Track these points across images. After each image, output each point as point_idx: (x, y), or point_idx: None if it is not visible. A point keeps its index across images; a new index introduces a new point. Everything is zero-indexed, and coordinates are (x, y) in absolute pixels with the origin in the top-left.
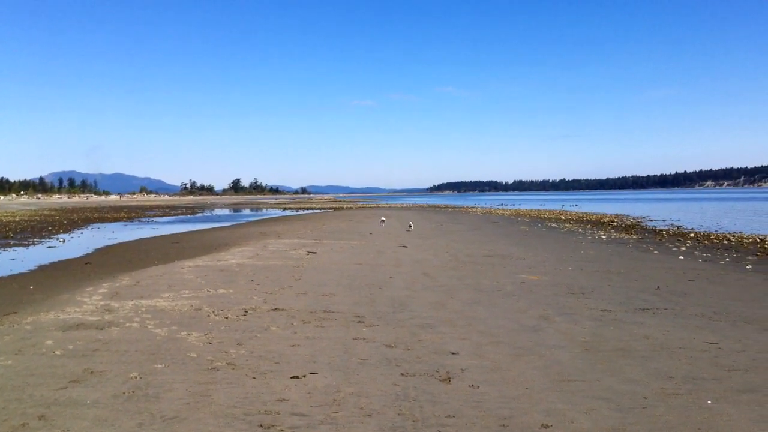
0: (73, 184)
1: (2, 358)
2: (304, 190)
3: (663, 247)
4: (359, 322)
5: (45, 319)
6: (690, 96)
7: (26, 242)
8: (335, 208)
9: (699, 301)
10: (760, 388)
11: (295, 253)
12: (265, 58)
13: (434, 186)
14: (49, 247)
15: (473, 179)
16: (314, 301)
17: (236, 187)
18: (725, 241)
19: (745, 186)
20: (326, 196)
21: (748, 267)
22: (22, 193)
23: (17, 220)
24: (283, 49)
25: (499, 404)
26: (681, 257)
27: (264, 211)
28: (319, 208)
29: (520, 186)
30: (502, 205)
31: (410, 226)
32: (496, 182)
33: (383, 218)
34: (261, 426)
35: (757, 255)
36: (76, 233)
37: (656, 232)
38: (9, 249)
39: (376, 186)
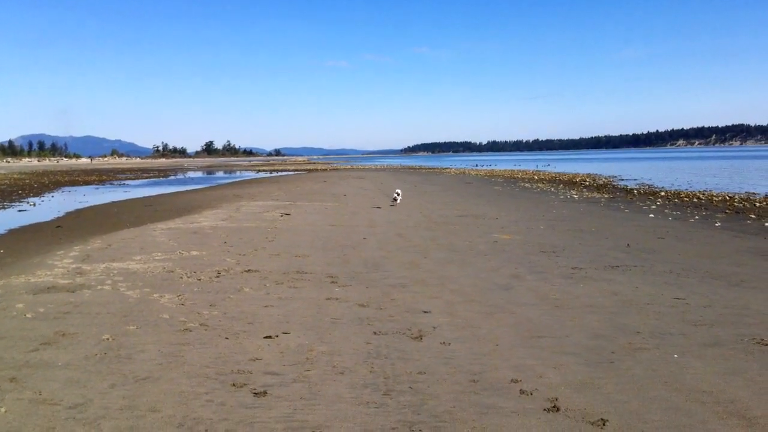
0: (42, 147)
1: None
2: (278, 152)
3: (634, 205)
4: (332, 282)
5: (15, 283)
6: (662, 56)
7: None
8: (309, 170)
9: (668, 258)
10: (725, 342)
11: (269, 215)
12: (238, 19)
13: (408, 147)
14: (20, 210)
15: (448, 140)
16: (287, 263)
17: (209, 149)
18: (695, 200)
19: (717, 145)
20: (300, 158)
21: (717, 224)
22: None
23: None
24: (257, 9)
25: (470, 360)
26: (651, 215)
27: (238, 173)
28: (293, 170)
29: (495, 146)
30: (477, 165)
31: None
32: (470, 143)
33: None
34: (234, 385)
35: (726, 212)
36: (47, 197)
37: (627, 191)
38: None
39: (351, 147)
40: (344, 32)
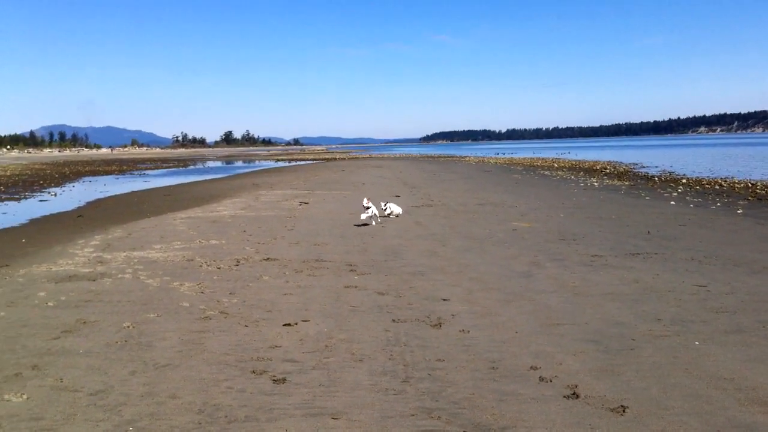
0: (63, 137)
1: None
2: (296, 142)
3: (655, 193)
4: (351, 270)
5: (37, 272)
6: (683, 43)
7: (17, 196)
8: (328, 159)
9: (689, 246)
10: (747, 329)
11: (288, 203)
12: (257, 8)
13: (427, 136)
14: (41, 200)
15: (466, 128)
16: (306, 251)
17: (228, 139)
18: (717, 187)
19: (738, 131)
20: (319, 147)
21: (738, 211)
22: (12, 147)
23: (8, 174)
24: None
25: (489, 348)
26: (672, 203)
27: (256, 162)
28: (311, 160)
29: (514, 134)
30: (498, 154)
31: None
32: (489, 131)
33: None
34: (253, 372)
35: (748, 199)
36: (68, 187)
37: (648, 178)
38: (0, 203)
39: (369, 136)
40: (364, 20)
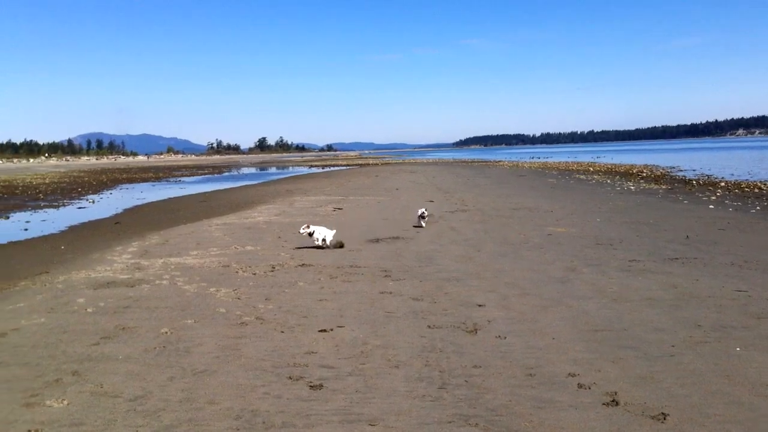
0: (101, 145)
1: (35, 316)
2: (330, 148)
3: (693, 196)
4: (386, 276)
5: (76, 278)
6: (720, 44)
7: (56, 203)
8: (361, 165)
9: (729, 250)
10: None
11: (322, 209)
12: (289, 16)
13: (460, 140)
14: (79, 208)
15: (500, 133)
16: (341, 257)
17: (262, 145)
18: (756, 190)
19: None
20: (352, 153)
21: None
22: (50, 155)
23: (47, 182)
24: (308, 6)
25: (526, 354)
26: (711, 207)
27: (290, 168)
28: (345, 165)
29: (548, 139)
30: (533, 158)
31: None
32: (523, 135)
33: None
34: (290, 378)
35: None
36: (105, 194)
37: (686, 182)
38: (40, 210)
39: (402, 142)
40: (394, 26)
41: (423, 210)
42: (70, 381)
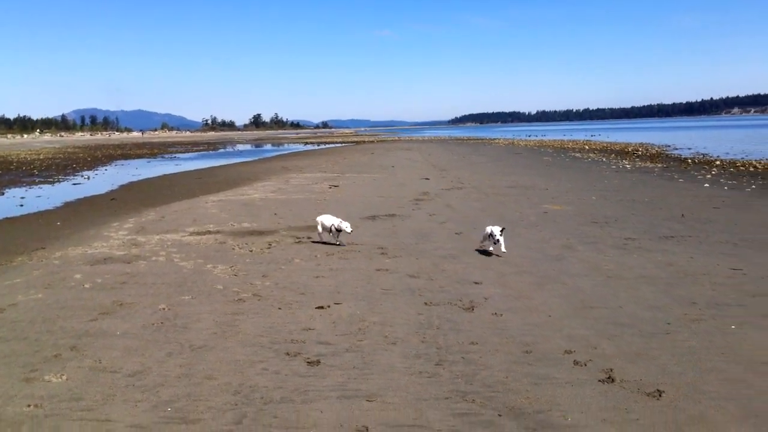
0: (95, 121)
1: (33, 292)
2: (325, 125)
3: (688, 175)
4: (382, 253)
5: (73, 254)
6: (717, 24)
7: (51, 179)
8: (357, 142)
9: (724, 228)
10: None
11: (317, 186)
12: None
13: (456, 118)
14: (74, 184)
15: (496, 110)
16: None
17: (257, 122)
18: (751, 169)
19: None
20: (348, 130)
21: None
22: (44, 131)
23: (41, 158)
24: None
25: (522, 331)
26: (706, 185)
27: (285, 145)
28: (340, 143)
29: (543, 116)
30: (528, 136)
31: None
32: (518, 113)
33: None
34: (288, 354)
35: None
36: (100, 170)
37: (681, 160)
38: (35, 186)
39: (398, 119)
40: (391, 1)
41: (491, 229)
42: (68, 356)
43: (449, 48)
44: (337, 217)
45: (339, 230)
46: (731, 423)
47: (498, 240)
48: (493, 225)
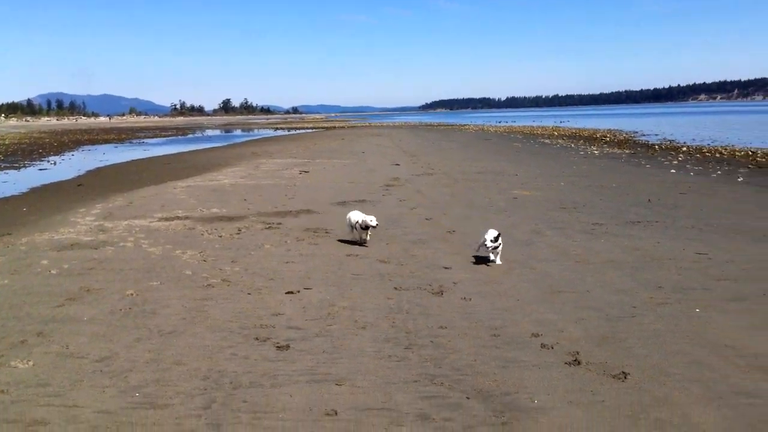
0: (61, 106)
1: None
2: (295, 110)
3: (655, 161)
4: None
5: (39, 240)
6: (684, 10)
7: (17, 165)
8: (327, 128)
9: (690, 214)
10: (748, 296)
11: (288, 172)
12: None
13: (426, 104)
14: (41, 169)
15: (466, 96)
16: (307, 219)
17: (227, 107)
18: (717, 155)
19: (739, 99)
20: (318, 116)
21: (739, 179)
22: (10, 115)
23: (6, 143)
24: None
25: (491, 315)
26: (673, 171)
27: (256, 131)
28: (311, 128)
29: (513, 103)
30: (498, 122)
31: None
32: (488, 99)
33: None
34: (257, 339)
35: (749, 167)
36: (67, 155)
37: (648, 146)
38: (0, 172)
39: (368, 105)
40: None
41: (486, 239)
42: (35, 342)
43: (422, 33)
44: (311, 202)
45: (365, 227)
46: (695, 404)
47: (495, 248)
48: (463, 210)
